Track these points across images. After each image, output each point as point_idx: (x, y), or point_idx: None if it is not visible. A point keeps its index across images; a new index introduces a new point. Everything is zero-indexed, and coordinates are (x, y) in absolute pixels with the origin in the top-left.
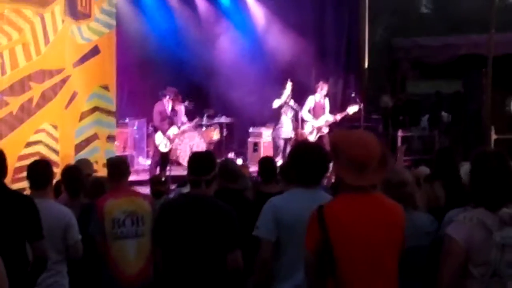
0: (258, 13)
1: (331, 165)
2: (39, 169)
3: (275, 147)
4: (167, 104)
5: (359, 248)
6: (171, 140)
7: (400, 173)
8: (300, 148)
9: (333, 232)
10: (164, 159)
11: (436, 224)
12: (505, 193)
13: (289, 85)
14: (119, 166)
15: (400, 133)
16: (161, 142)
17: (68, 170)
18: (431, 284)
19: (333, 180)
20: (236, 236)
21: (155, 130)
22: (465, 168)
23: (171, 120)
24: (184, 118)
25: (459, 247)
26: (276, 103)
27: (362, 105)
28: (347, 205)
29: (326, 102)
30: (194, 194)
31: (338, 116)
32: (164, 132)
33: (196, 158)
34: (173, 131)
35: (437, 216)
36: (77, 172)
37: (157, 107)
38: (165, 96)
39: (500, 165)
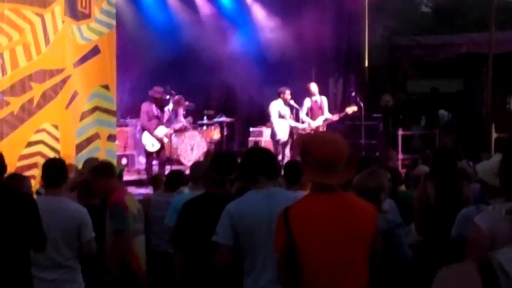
0: (258, 13)
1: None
2: (54, 167)
3: (275, 147)
4: (167, 105)
5: (323, 248)
6: (158, 140)
7: (376, 179)
8: (248, 152)
9: (297, 233)
10: (160, 159)
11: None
12: None
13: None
14: (112, 167)
15: (400, 132)
16: (148, 142)
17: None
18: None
19: None
20: None
21: (143, 130)
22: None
23: (158, 120)
24: (183, 120)
25: (484, 236)
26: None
27: (362, 104)
28: (312, 206)
29: (324, 100)
30: (218, 193)
31: (336, 117)
32: (151, 132)
33: (220, 157)
34: (160, 130)
35: (427, 214)
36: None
37: (144, 107)
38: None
39: None
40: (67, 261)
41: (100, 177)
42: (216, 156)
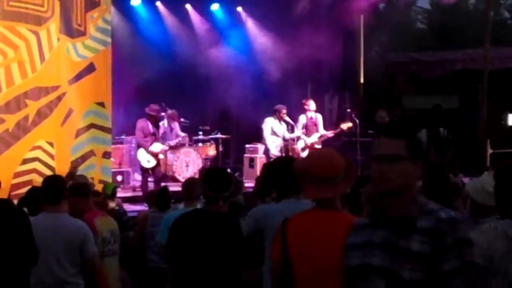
0: (252, 30)
1: None
2: (54, 184)
3: None
4: (161, 121)
5: (311, 265)
6: (154, 156)
7: None
8: (272, 163)
9: (291, 245)
10: (156, 175)
11: None
12: None
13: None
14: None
15: None
16: (143, 159)
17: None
18: None
19: None
20: (254, 254)
21: (138, 147)
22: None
23: (154, 137)
24: (181, 133)
25: (481, 256)
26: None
27: (357, 120)
28: (308, 221)
29: (319, 118)
30: (210, 210)
31: (331, 133)
32: (146, 149)
33: (213, 174)
34: (156, 147)
35: None
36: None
37: (139, 124)
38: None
39: None
40: (70, 277)
41: (73, 197)
42: (209, 173)
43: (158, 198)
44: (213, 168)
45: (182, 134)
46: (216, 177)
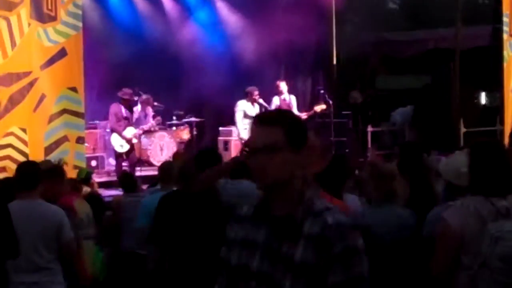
0: (224, 11)
1: None
2: (28, 171)
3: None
4: (135, 106)
5: None
6: (127, 141)
7: (390, 166)
8: None
9: None
10: (130, 160)
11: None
12: (503, 183)
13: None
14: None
15: (369, 129)
16: (117, 143)
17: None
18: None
19: None
20: None
21: (112, 131)
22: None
23: (127, 121)
24: (152, 121)
25: (453, 233)
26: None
27: (331, 102)
28: None
29: (293, 99)
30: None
31: (305, 115)
32: (119, 133)
33: (205, 156)
34: (129, 131)
35: None
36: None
37: (112, 109)
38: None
39: (498, 155)
40: (47, 263)
41: (48, 179)
42: (201, 154)
43: (123, 182)
44: (205, 149)
45: (152, 121)
46: (207, 158)
